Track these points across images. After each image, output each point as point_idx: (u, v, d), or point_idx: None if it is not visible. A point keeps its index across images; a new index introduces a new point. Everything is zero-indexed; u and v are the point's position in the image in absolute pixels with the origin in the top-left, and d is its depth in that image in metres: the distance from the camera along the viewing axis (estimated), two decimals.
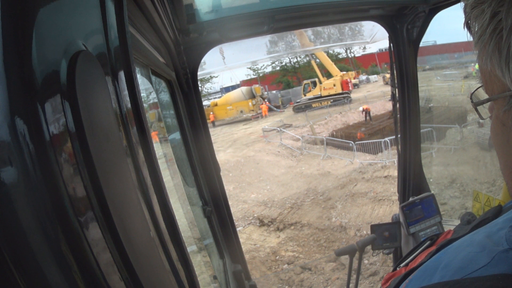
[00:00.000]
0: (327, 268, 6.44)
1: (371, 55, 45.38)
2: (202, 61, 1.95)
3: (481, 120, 0.50)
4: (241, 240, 2.35)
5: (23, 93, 0.24)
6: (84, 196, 0.28)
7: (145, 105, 1.04)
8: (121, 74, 0.44)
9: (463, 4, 0.43)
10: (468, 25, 0.43)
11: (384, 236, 2.30)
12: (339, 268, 6.35)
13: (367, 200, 8.94)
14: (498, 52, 0.38)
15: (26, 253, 0.24)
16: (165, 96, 1.75)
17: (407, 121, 2.41)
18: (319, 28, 2.97)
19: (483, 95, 0.47)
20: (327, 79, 27.97)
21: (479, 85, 0.47)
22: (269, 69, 43.20)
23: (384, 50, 36.83)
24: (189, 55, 1.86)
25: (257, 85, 30.57)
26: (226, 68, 2.74)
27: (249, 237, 8.40)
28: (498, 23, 0.37)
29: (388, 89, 6.31)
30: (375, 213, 8.17)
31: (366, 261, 6.09)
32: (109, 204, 0.29)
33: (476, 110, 0.48)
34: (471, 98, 0.49)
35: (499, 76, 0.40)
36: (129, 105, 0.44)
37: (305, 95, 28.12)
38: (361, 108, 20.18)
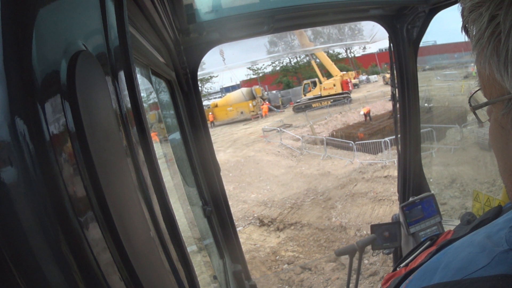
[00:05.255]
0: (327, 268, 6.44)
1: (371, 55, 45.40)
2: (202, 61, 1.95)
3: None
4: (241, 240, 2.35)
5: (23, 93, 0.24)
6: (84, 196, 0.28)
7: (145, 105, 1.04)
8: (121, 74, 0.44)
9: (461, 7, 0.43)
10: (466, 28, 0.42)
11: (384, 236, 2.30)
12: (339, 268, 6.35)
13: (367, 200, 8.94)
14: (496, 55, 0.38)
15: (26, 253, 0.24)
16: (165, 96, 1.75)
17: (407, 121, 2.41)
18: (319, 28, 2.97)
19: (481, 98, 0.47)
20: (327, 79, 27.97)
21: (478, 88, 0.47)
22: (269, 69, 43.27)
23: (384, 50, 36.86)
24: (189, 55, 1.86)
25: (257, 86, 30.51)
26: (226, 68, 2.74)
27: (249, 237, 8.40)
28: (496, 27, 0.37)
29: (388, 89, 6.31)
30: (375, 213, 8.17)
31: (366, 261, 6.09)
32: (109, 204, 0.29)
33: (475, 113, 0.48)
34: (469, 102, 0.49)
35: (498, 80, 0.39)
36: (129, 105, 0.44)
37: (305, 95, 28.11)
38: (362, 113, 20.14)
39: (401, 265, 0.93)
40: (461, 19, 0.43)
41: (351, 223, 7.96)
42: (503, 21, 0.36)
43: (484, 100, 0.45)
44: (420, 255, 0.87)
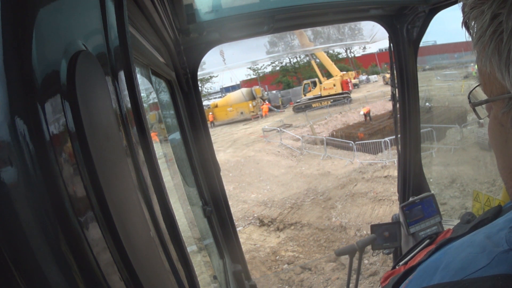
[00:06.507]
0: (327, 268, 6.44)
1: (371, 55, 45.38)
2: (202, 61, 1.95)
3: (480, 120, 0.50)
4: (241, 240, 2.35)
5: (23, 93, 0.24)
6: (84, 196, 0.28)
7: (145, 105, 1.04)
8: (121, 74, 0.44)
9: (462, 3, 0.43)
10: (466, 24, 0.42)
11: (384, 236, 2.30)
12: (339, 268, 6.35)
13: (367, 200, 8.94)
14: (498, 54, 0.38)
15: (26, 253, 0.24)
16: (165, 96, 1.75)
17: (407, 121, 2.41)
18: (319, 28, 2.97)
19: (480, 93, 0.47)
20: (327, 79, 27.97)
21: (477, 84, 0.47)
22: (269, 69, 43.27)
23: (384, 50, 36.83)
24: (189, 55, 1.86)
25: (257, 87, 30.48)
26: (226, 68, 2.75)
27: (249, 237, 8.40)
28: (499, 25, 0.37)
29: (388, 89, 6.31)
30: (375, 213, 8.17)
31: (366, 261, 6.09)
32: (109, 204, 0.29)
33: (474, 110, 0.48)
34: (469, 98, 0.49)
35: (499, 78, 0.39)
36: (129, 105, 0.44)
37: (305, 95, 28.11)
38: (362, 113, 20.12)
39: (400, 263, 0.94)
40: (461, 20, 0.43)
41: (351, 223, 7.96)
42: (505, 20, 0.36)
43: (484, 96, 0.45)
44: (419, 254, 0.87)
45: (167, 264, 0.44)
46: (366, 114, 19.84)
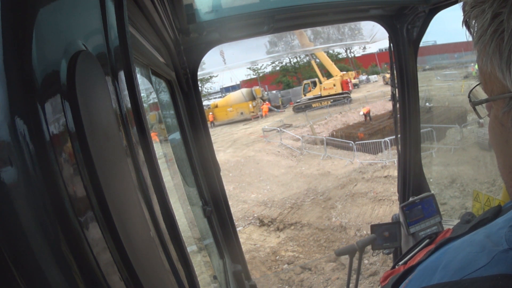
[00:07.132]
0: (327, 268, 6.44)
1: (371, 55, 45.37)
2: (202, 61, 1.95)
3: (480, 120, 0.50)
4: (241, 240, 2.35)
5: (23, 93, 0.24)
6: (84, 196, 0.28)
7: (145, 105, 1.04)
8: (121, 74, 0.44)
9: (462, 2, 0.43)
10: (467, 24, 0.42)
11: (384, 236, 2.30)
12: (339, 268, 6.35)
13: (367, 200, 8.94)
14: (499, 54, 0.38)
15: (26, 253, 0.24)
16: (165, 96, 1.75)
17: (407, 121, 2.41)
18: (319, 28, 2.98)
19: (481, 93, 0.47)
20: (327, 79, 27.97)
21: (478, 82, 0.47)
22: (269, 69, 43.26)
23: (384, 50, 36.83)
24: (189, 55, 1.86)
25: (257, 87, 30.48)
26: (226, 68, 2.75)
27: (249, 237, 8.40)
28: (500, 25, 0.37)
29: (388, 89, 6.31)
30: (375, 213, 8.17)
31: (366, 261, 6.09)
32: (109, 204, 0.29)
33: (474, 109, 0.48)
34: (469, 97, 0.49)
35: (499, 78, 0.39)
36: (129, 105, 0.44)
37: (305, 95, 28.12)
38: (362, 113, 20.11)
39: (400, 263, 0.94)
40: (461, 20, 0.43)
41: (351, 223, 7.96)
42: (506, 19, 0.36)
43: (484, 95, 0.45)
44: (419, 253, 0.87)
45: (167, 264, 0.44)
46: (366, 114, 19.83)
